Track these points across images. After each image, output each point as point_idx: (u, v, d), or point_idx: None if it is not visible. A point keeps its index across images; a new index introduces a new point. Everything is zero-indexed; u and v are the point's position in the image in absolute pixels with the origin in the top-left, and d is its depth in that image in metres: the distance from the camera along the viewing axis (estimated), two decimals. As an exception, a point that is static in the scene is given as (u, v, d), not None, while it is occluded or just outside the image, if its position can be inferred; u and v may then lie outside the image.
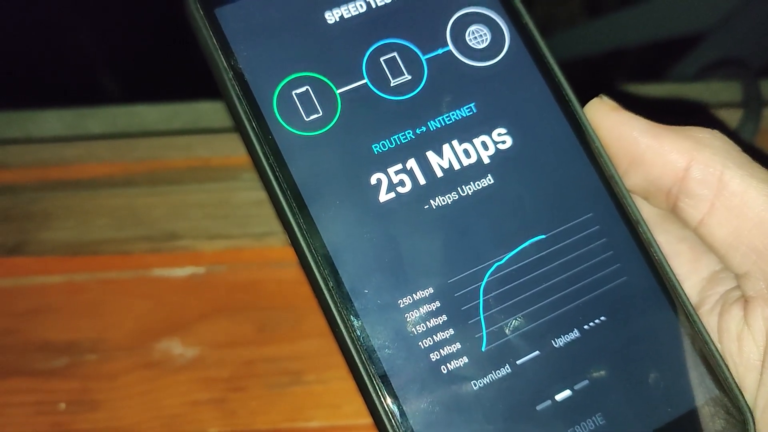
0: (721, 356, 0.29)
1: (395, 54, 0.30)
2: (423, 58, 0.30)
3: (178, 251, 0.50)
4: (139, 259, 0.50)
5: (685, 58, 0.71)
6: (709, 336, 0.29)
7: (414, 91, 0.30)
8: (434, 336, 0.28)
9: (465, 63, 0.30)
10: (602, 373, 0.28)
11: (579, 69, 0.77)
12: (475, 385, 0.27)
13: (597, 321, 0.29)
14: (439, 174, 0.29)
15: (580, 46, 0.75)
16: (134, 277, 0.49)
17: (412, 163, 0.29)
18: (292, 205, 0.28)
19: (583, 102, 0.30)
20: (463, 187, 0.29)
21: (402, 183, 0.29)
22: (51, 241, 0.50)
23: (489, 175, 0.29)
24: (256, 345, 0.48)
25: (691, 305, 0.29)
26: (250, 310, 0.49)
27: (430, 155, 0.29)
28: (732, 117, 0.52)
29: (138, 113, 0.53)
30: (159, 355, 0.47)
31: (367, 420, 0.27)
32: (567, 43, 0.75)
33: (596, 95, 0.30)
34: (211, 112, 0.53)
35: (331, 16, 0.30)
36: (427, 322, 0.28)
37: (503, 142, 0.30)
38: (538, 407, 0.28)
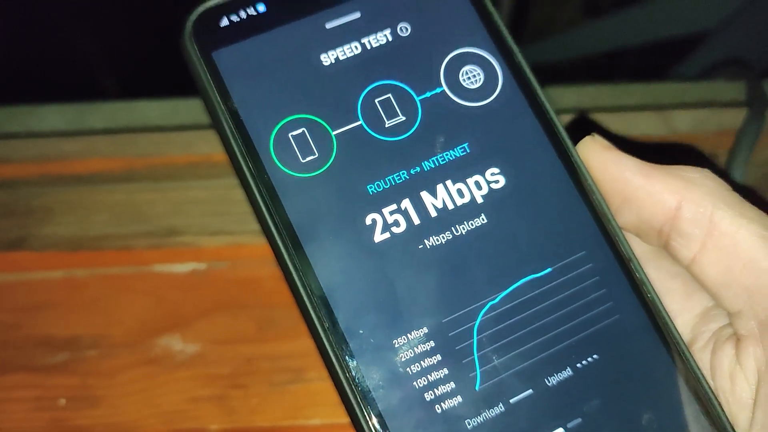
0: (713, 394, 0.29)
1: (390, 95, 0.30)
2: (417, 98, 0.30)
3: (178, 247, 0.50)
4: (139, 255, 0.50)
5: (688, 58, 0.70)
6: (702, 374, 0.29)
7: (408, 131, 0.30)
8: (429, 375, 0.28)
9: (458, 103, 0.30)
10: (595, 411, 0.28)
11: (579, 69, 0.77)
12: (469, 424, 0.28)
13: (590, 359, 0.29)
14: (433, 214, 0.29)
15: (580, 47, 0.74)
16: (135, 272, 0.50)
17: (406, 204, 0.29)
18: (288, 245, 0.28)
19: (575, 140, 0.30)
20: (457, 227, 0.29)
21: (397, 223, 0.29)
22: (51, 236, 0.50)
23: (482, 214, 0.29)
24: (256, 342, 0.48)
25: (684, 343, 0.29)
26: (250, 307, 0.49)
27: (425, 195, 0.29)
28: (736, 117, 0.52)
29: (139, 109, 0.53)
30: (159, 351, 0.48)
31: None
32: (567, 44, 0.74)
33: (588, 132, 0.30)
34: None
35: (327, 58, 0.30)
36: (422, 362, 0.28)
37: (496, 181, 0.30)
38: None
